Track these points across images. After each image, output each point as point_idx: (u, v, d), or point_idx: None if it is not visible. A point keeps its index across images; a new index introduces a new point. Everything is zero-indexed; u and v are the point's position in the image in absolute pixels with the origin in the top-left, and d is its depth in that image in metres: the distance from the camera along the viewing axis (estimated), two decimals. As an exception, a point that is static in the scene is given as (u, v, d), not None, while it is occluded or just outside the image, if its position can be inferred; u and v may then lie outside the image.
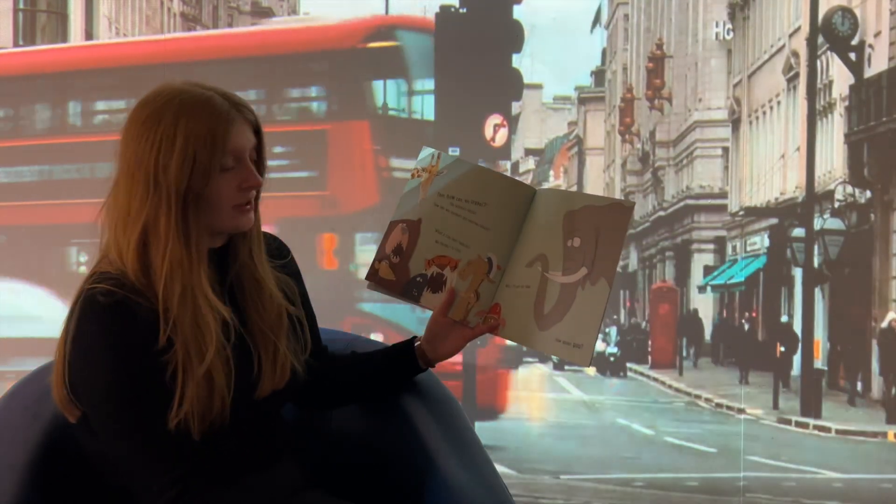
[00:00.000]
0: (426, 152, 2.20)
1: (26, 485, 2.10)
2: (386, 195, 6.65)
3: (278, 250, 2.16)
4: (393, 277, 2.17)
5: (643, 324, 7.38)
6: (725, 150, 7.36)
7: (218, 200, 2.00)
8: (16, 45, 7.86)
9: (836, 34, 6.64)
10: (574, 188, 8.56)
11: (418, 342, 2.21)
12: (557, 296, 2.11)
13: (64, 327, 1.99)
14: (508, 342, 2.23)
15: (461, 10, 6.79)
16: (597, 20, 7.66)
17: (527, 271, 2.15)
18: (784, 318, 6.89)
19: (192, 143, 1.96)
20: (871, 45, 6.65)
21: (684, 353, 7.15)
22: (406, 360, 2.21)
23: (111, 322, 1.94)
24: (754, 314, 7.04)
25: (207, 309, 1.98)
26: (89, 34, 7.93)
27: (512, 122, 6.90)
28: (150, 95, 2.01)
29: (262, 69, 7.15)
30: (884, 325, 6.39)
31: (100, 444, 2.02)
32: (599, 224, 2.11)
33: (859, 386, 6.51)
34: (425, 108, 6.94)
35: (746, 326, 6.98)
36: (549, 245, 2.14)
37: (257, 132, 2.04)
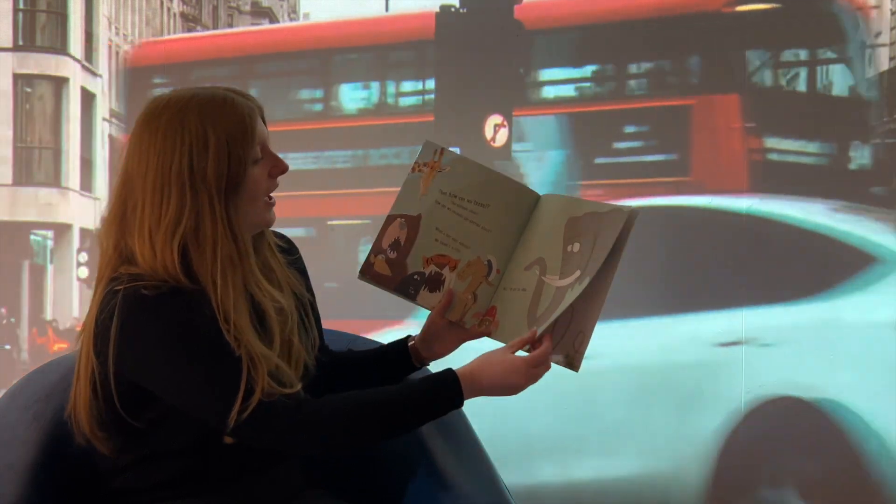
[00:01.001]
0: (428, 147, 2.19)
1: (26, 485, 2.10)
2: (757, 180, 5.83)
3: (287, 247, 2.17)
4: (389, 273, 2.16)
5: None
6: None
7: (254, 192, 2.01)
8: (15, 45, 7.84)
9: (836, 34, 6.65)
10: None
11: (412, 341, 2.21)
12: (551, 299, 2.10)
13: (87, 344, 1.97)
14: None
15: (461, 10, 6.80)
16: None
17: (525, 274, 2.14)
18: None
19: (225, 140, 1.97)
20: (871, 46, 6.65)
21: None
22: (400, 358, 2.22)
23: (168, 308, 1.93)
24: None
25: (268, 301, 2.00)
26: (89, 34, 7.93)
27: (512, 121, 6.90)
28: (155, 106, 2.00)
29: (615, 37, 6.38)
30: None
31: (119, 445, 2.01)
32: (599, 230, 2.09)
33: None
34: (800, 81, 6.21)
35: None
36: (548, 249, 2.13)
37: (264, 121, 2.06)
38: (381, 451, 2.26)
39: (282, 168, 2.05)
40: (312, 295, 2.19)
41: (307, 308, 2.13)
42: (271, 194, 2.05)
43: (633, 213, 2.05)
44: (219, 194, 1.97)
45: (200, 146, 1.96)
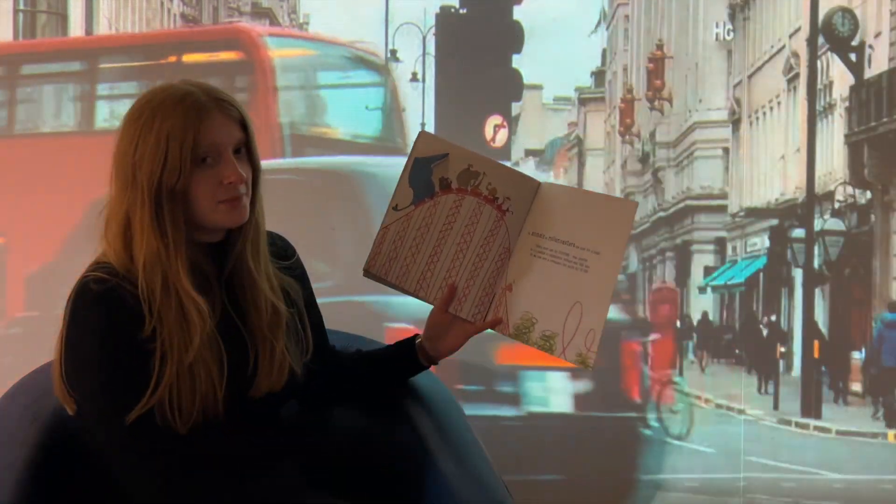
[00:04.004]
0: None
1: (25, 485, 2.09)
2: None
3: (284, 251, 2.16)
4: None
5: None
6: (726, 150, 7.35)
7: (196, 195, 2.00)
8: (16, 45, 7.84)
9: (836, 35, 6.64)
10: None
11: (420, 339, 2.21)
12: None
13: (62, 320, 2.00)
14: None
15: (461, 11, 6.79)
16: (600, 22, 7.67)
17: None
18: (772, 318, 6.90)
19: (165, 139, 1.98)
20: (871, 46, 6.65)
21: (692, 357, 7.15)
22: (407, 357, 2.21)
23: (101, 308, 1.96)
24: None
25: (189, 301, 1.99)
26: (89, 35, 7.92)
27: (512, 122, 6.90)
28: (138, 99, 2.04)
29: None
30: (884, 325, 6.40)
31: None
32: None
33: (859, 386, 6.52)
34: None
35: (766, 332, 6.96)
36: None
37: (245, 127, 2.04)
38: (381, 450, 2.26)
39: (231, 178, 2.02)
40: (312, 299, 2.19)
41: (302, 315, 2.13)
42: (235, 195, 2.03)
43: (637, 205, 2.08)
44: (150, 189, 1.98)
45: (144, 140, 1.99)
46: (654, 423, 6.59)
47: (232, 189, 2.01)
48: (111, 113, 7.10)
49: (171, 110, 1.98)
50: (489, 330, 2.17)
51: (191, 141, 1.98)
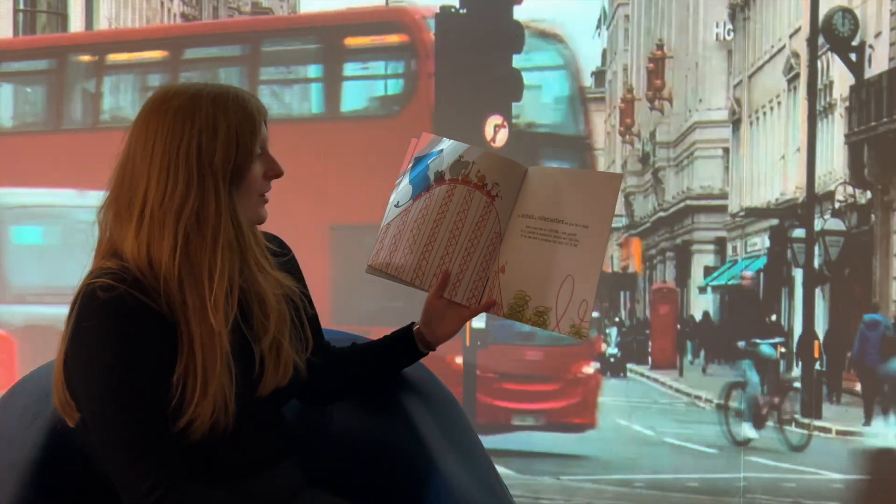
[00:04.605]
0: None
1: (26, 484, 2.09)
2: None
3: (279, 248, 2.17)
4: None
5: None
6: (726, 150, 7.36)
7: (252, 187, 2.02)
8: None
9: (836, 35, 6.65)
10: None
11: (416, 327, 2.22)
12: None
13: (65, 326, 1.98)
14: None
15: (461, 11, 6.79)
16: (601, 22, 7.67)
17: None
18: (773, 318, 6.91)
19: (235, 129, 1.98)
20: (871, 46, 6.65)
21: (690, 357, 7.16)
22: (405, 344, 2.22)
23: (110, 317, 1.93)
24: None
25: (266, 286, 2.02)
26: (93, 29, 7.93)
27: (512, 122, 6.90)
28: (164, 93, 2.02)
29: None
30: (885, 325, 6.40)
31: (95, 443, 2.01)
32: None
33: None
34: None
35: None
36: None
37: (265, 124, 2.07)
38: (381, 450, 2.26)
39: (276, 171, 2.06)
40: (308, 297, 2.19)
41: (299, 310, 2.13)
42: (269, 189, 2.07)
43: (622, 176, 2.12)
44: (224, 180, 1.98)
45: (210, 131, 1.98)
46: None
47: (270, 183, 2.05)
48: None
49: (232, 104, 2.00)
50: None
51: (258, 130, 2.02)
